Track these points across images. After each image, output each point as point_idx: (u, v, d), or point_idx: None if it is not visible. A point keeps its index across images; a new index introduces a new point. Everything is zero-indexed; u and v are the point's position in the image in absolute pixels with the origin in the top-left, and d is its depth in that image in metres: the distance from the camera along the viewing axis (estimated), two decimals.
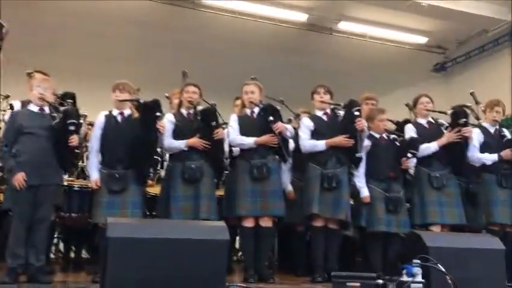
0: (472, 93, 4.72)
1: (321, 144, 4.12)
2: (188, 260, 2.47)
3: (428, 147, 4.31)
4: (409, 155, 4.17)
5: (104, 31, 8.23)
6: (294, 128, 4.43)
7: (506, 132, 4.52)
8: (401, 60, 9.02)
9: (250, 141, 3.99)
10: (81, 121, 3.95)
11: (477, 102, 4.66)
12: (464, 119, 4.30)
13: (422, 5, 7.46)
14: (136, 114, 3.89)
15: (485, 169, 4.41)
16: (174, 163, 3.97)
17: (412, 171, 4.50)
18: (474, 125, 4.58)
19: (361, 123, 4.03)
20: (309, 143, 4.18)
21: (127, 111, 3.93)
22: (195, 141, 3.90)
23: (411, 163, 4.30)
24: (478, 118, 4.72)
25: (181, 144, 3.91)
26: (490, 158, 4.37)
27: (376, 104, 4.82)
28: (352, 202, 4.38)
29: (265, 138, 3.97)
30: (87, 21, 7.97)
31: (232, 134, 4.07)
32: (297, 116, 4.80)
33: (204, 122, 3.93)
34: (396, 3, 7.56)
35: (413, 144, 4.21)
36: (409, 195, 4.45)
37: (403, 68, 8.96)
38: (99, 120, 3.90)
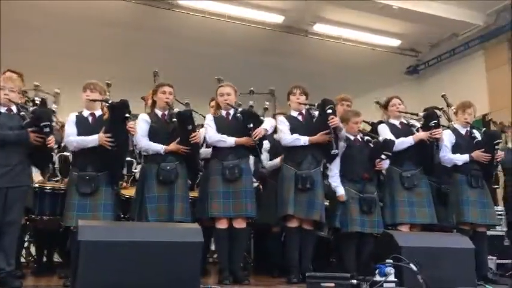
0: (443, 96, 4.81)
1: (304, 139, 4.14)
2: (161, 263, 2.44)
3: (403, 142, 4.36)
4: (383, 156, 4.21)
5: (78, 30, 8.15)
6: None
7: (476, 133, 4.62)
8: (375, 63, 9.13)
9: (231, 140, 3.97)
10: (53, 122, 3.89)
11: (448, 105, 4.76)
12: (434, 121, 4.36)
13: (394, 8, 7.57)
14: (107, 115, 3.84)
15: (456, 169, 4.48)
16: (149, 164, 3.92)
17: (384, 171, 4.56)
18: (445, 127, 4.67)
19: (334, 121, 4.05)
20: (291, 137, 4.17)
21: (98, 112, 3.89)
22: (173, 148, 3.86)
23: (385, 164, 4.34)
24: (449, 120, 4.82)
25: (160, 149, 3.86)
26: (461, 158, 4.44)
27: (350, 105, 4.87)
28: (327, 203, 4.42)
29: (244, 140, 3.95)
30: (61, 21, 7.87)
31: (211, 131, 4.05)
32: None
33: (181, 125, 3.90)
34: (369, 6, 7.65)
35: (387, 145, 4.26)
36: (381, 195, 4.51)
37: (377, 70, 9.08)
38: (71, 119, 3.83)
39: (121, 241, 2.42)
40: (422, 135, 4.36)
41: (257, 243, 5.52)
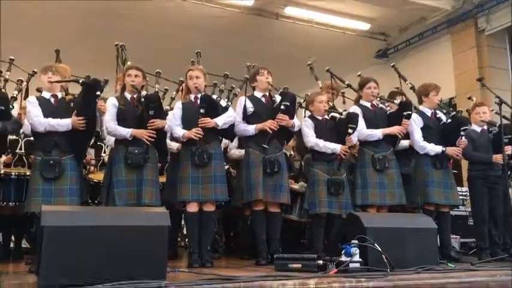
0: (412, 87, 4.88)
1: (251, 129, 4.16)
2: (127, 247, 2.43)
3: (373, 135, 4.40)
4: (349, 130, 4.22)
5: (47, 12, 7.95)
6: None
7: (440, 114, 4.71)
8: (346, 46, 9.19)
9: (180, 133, 3.96)
10: (11, 106, 3.81)
11: (413, 88, 4.87)
12: (409, 112, 4.41)
13: None
14: (68, 97, 3.80)
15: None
16: (117, 147, 3.86)
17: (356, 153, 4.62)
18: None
19: (281, 119, 4.09)
20: (240, 128, 4.19)
21: (59, 94, 3.83)
22: (139, 132, 3.80)
23: (354, 138, 4.34)
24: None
25: (126, 133, 3.80)
26: (434, 149, 4.47)
27: (336, 93, 4.92)
28: (296, 186, 4.47)
29: (187, 133, 3.91)
30: (29, 2, 7.63)
31: (171, 123, 4.02)
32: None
33: (147, 109, 3.85)
34: None
35: (352, 118, 4.27)
36: (351, 178, 4.57)
37: (348, 54, 9.12)
38: (32, 100, 3.75)
39: (85, 226, 2.40)
40: (390, 130, 4.40)
41: (228, 226, 5.56)
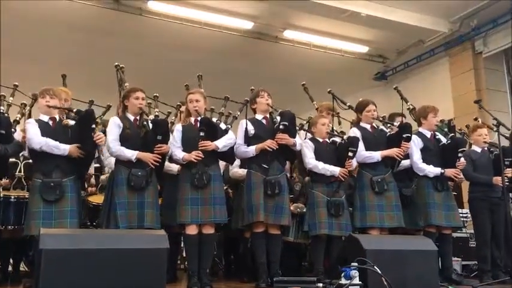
0: (412, 109, 4.92)
1: (251, 151, 4.18)
2: (125, 271, 2.43)
3: (372, 157, 4.41)
4: (350, 154, 4.25)
5: (47, 35, 8.05)
6: None
7: (440, 136, 4.73)
8: (345, 69, 9.26)
9: (180, 155, 3.97)
10: (13, 129, 3.82)
11: (413, 110, 4.89)
12: (408, 134, 4.43)
13: (362, 15, 7.71)
14: (66, 121, 3.82)
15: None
16: (119, 168, 3.84)
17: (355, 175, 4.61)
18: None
19: (281, 139, 4.10)
20: (240, 150, 4.21)
21: (57, 117, 3.86)
22: (145, 155, 3.81)
23: (354, 163, 4.37)
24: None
25: (131, 155, 3.80)
26: (433, 171, 4.50)
27: (333, 114, 4.94)
28: (292, 208, 4.45)
29: (187, 156, 3.93)
30: (29, 23, 7.76)
31: (171, 146, 4.03)
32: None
33: (153, 133, 3.86)
34: (338, 14, 7.76)
35: (352, 142, 4.30)
36: (351, 199, 4.57)
37: (347, 76, 9.20)
38: (32, 121, 3.77)
39: (83, 249, 2.40)
40: (388, 152, 4.42)
41: (228, 248, 5.52)
